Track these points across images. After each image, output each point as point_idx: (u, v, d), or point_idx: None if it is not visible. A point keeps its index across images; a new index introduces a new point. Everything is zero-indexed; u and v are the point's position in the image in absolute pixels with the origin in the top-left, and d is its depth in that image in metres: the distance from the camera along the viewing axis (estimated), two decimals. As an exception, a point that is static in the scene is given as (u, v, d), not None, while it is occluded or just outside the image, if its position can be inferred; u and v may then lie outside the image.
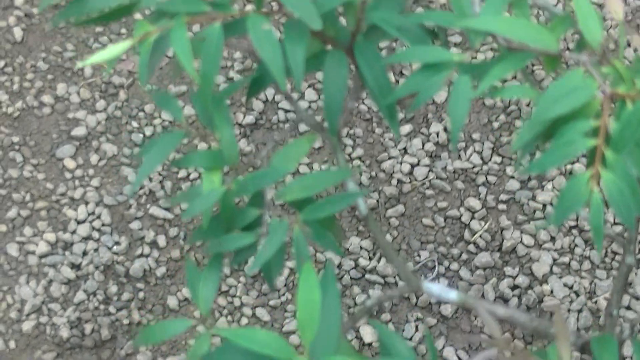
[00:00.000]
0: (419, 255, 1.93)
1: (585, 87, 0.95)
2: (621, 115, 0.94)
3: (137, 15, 1.90)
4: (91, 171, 2.02)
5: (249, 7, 1.11)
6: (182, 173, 2.01)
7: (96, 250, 1.94)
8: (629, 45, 1.96)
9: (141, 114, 2.06)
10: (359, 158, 2.01)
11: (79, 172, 2.01)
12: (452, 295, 1.08)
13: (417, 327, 1.86)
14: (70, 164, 2.02)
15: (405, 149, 2.02)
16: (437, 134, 2.02)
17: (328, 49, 1.06)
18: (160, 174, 2.00)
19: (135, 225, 1.96)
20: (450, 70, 0.98)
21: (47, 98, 2.07)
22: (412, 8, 1.08)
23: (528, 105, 2.03)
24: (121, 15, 1.07)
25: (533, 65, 2.05)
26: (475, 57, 1.93)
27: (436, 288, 1.09)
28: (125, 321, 1.87)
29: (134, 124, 2.05)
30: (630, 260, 1.18)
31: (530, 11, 1.02)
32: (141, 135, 2.04)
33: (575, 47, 1.01)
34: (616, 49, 0.99)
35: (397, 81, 2.05)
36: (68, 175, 2.01)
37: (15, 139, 2.03)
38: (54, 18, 1.09)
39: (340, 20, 1.06)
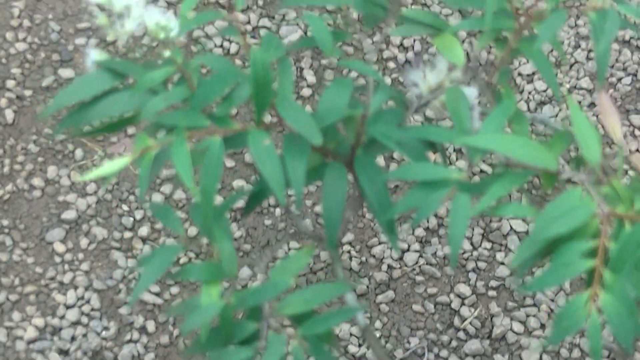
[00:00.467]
0: (408, 342, 1.93)
1: (584, 207, 0.96)
2: (620, 236, 0.95)
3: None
4: (81, 255, 2.01)
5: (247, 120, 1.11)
6: (172, 257, 2.00)
7: (85, 335, 1.92)
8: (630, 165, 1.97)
9: (132, 197, 2.05)
10: (349, 243, 2.01)
11: (68, 256, 2.00)
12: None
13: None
14: (60, 247, 2.01)
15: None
16: (427, 220, 2.02)
17: (327, 161, 1.07)
18: (150, 258, 1.99)
19: (124, 310, 1.95)
20: (449, 188, 0.98)
21: (37, 181, 2.06)
22: (411, 117, 1.09)
23: (518, 191, 2.04)
24: (123, 127, 1.08)
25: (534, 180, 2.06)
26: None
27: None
28: (114, 409, 1.85)
29: (125, 207, 2.04)
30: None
31: (530, 126, 1.02)
32: (132, 219, 2.03)
33: (574, 164, 1.02)
34: (615, 167, 1.00)
35: (388, 165, 2.06)
36: (57, 259, 2.00)
37: (5, 222, 2.02)
38: (55, 127, 1.09)
39: (339, 131, 1.07)
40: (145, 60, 1.13)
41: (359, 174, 1.05)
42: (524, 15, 1.01)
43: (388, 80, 2.11)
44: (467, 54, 1.09)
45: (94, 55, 1.10)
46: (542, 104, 2.11)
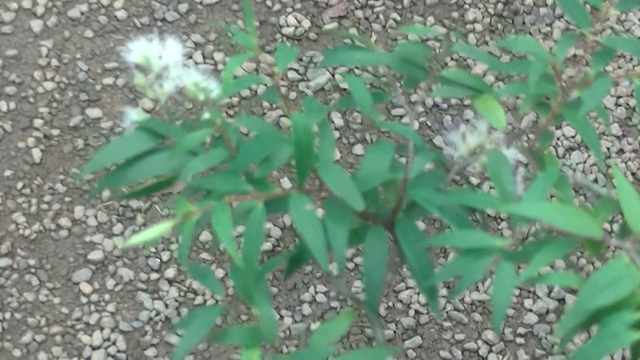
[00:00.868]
0: (436, 388, 1.91)
1: (630, 277, 0.94)
2: (667, 308, 0.93)
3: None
4: (107, 296, 2.00)
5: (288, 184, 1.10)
6: (198, 299, 1.99)
7: (111, 377, 1.91)
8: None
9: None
10: (363, 278, 1.99)
11: (94, 297, 2.00)
12: None
13: None
14: (86, 288, 2.00)
15: (409, 269, 2.00)
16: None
17: (368, 224, 1.06)
18: (176, 300, 1.99)
19: (150, 352, 1.94)
20: (493, 257, 0.97)
21: (64, 221, 2.06)
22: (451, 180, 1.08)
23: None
24: (162, 189, 1.07)
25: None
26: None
27: None
28: None
29: (151, 248, 2.03)
30: None
31: (572, 191, 1.01)
32: (158, 260, 2.02)
33: (619, 232, 1.00)
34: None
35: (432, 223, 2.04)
36: (84, 299, 1.99)
37: (32, 262, 2.02)
38: (93, 190, 1.08)
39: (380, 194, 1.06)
40: (184, 120, 1.12)
41: (400, 238, 1.04)
42: (567, 80, 1.00)
43: (416, 124, 2.10)
44: (508, 109, 1.08)
45: (133, 115, 1.10)
46: (570, 149, 2.10)
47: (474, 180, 1.94)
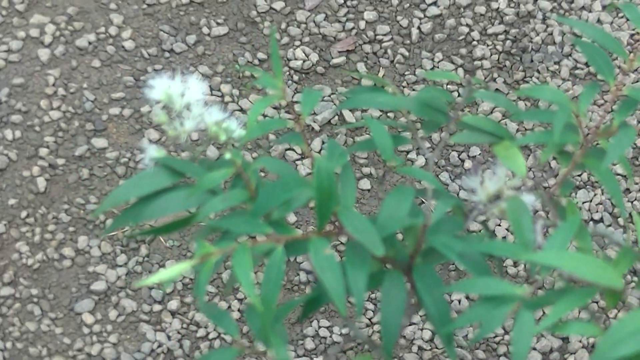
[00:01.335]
0: None
1: (651, 328, 0.94)
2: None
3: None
4: (109, 327, 1.99)
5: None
6: (200, 332, 1.98)
7: (112, 409, 1.90)
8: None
9: (162, 270, 2.04)
10: (379, 322, 1.98)
11: (97, 328, 1.99)
12: None
13: None
14: (88, 318, 1.99)
15: (426, 315, 2.00)
16: (459, 301, 2.01)
17: (385, 268, 1.06)
18: (179, 332, 1.98)
19: (152, 384, 1.93)
20: (513, 305, 0.97)
21: (67, 251, 2.05)
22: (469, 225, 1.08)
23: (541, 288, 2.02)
24: (180, 228, 1.07)
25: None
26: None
27: None
28: None
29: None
30: None
31: (592, 242, 1.01)
32: (161, 291, 2.02)
33: (638, 284, 1.00)
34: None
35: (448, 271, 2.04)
36: (86, 330, 1.99)
37: (34, 292, 2.01)
38: (107, 227, 1.08)
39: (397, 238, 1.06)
40: (202, 159, 1.12)
41: (417, 283, 1.04)
42: (591, 130, 1.00)
43: (422, 160, 2.10)
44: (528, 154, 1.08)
45: (152, 152, 1.09)
46: (577, 188, 2.10)
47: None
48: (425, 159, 2.07)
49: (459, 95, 2.17)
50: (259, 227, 1.00)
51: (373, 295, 2.03)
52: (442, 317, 1.02)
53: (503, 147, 1.07)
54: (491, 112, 2.15)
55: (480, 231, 1.97)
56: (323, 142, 2.13)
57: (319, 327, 1.99)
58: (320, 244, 1.00)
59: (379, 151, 1.05)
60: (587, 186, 2.11)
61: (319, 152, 2.12)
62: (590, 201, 2.09)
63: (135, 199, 1.08)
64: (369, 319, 2.00)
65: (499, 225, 2.03)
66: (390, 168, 1.03)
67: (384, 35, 2.26)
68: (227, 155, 1.06)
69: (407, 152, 2.10)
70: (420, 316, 2.00)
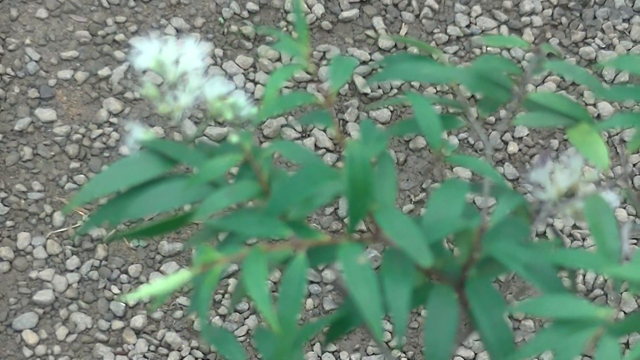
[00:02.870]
0: None
1: None
2: None
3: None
4: (57, 348, 2.01)
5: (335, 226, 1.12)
6: (173, 356, 2.01)
7: None
8: None
9: (124, 276, 2.06)
10: (400, 348, 2.01)
11: (41, 349, 2.01)
12: None
13: None
14: (30, 338, 2.02)
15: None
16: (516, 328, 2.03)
17: (431, 282, 1.08)
18: (145, 356, 2.00)
19: (111, 422, 1.96)
20: (594, 330, 0.99)
21: (4, 251, 2.07)
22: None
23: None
24: (174, 228, 1.08)
25: None
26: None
27: None
28: None
29: (115, 289, 2.05)
30: None
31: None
32: (123, 304, 2.04)
33: None
34: None
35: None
36: (27, 352, 2.01)
37: (-38, 303, 2.03)
38: (82, 226, 1.10)
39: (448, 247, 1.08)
40: (200, 143, 1.14)
41: (471, 301, 1.06)
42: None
43: (455, 140, 2.13)
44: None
45: (138, 133, 1.11)
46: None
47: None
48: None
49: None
50: (275, 229, 1.02)
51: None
52: (503, 344, 1.04)
53: (580, 132, 1.08)
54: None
55: (544, 237, 2.00)
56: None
57: (323, 352, 2.02)
58: (352, 250, 1.01)
59: (424, 136, 1.07)
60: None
61: (324, 130, 2.14)
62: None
63: (116, 193, 1.10)
64: (387, 342, 2.03)
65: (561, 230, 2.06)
66: (436, 157, 1.05)
67: (408, -18, 2.29)
68: (234, 139, 1.07)
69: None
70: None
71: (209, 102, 1.09)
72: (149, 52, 1.10)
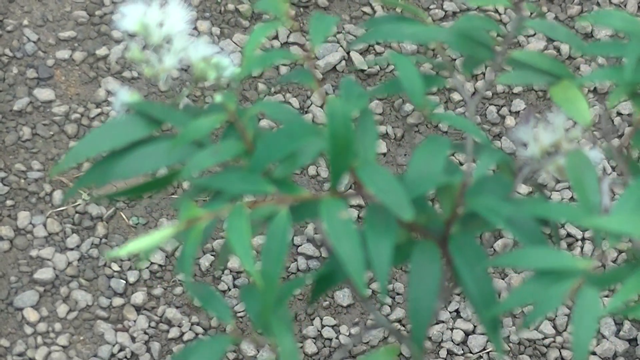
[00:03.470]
0: None
1: None
2: None
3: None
4: (58, 326, 2.02)
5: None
6: (173, 332, 2.02)
7: None
8: None
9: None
10: (399, 321, 2.02)
11: (42, 327, 2.02)
12: None
13: None
14: (31, 315, 2.03)
15: (457, 311, 2.03)
16: (499, 294, 2.04)
17: (415, 239, 1.09)
18: (145, 332, 2.01)
19: (112, 398, 1.97)
20: (574, 281, 1.01)
21: (4, 230, 2.08)
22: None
23: (615, 261, 2.06)
24: (160, 187, 1.10)
25: None
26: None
27: None
28: None
29: (115, 267, 2.06)
30: None
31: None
32: (123, 281, 2.05)
33: None
34: None
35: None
36: (28, 329, 2.02)
37: (-37, 281, 2.04)
38: (70, 189, 1.11)
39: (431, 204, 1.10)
40: (186, 104, 1.15)
41: (454, 255, 1.07)
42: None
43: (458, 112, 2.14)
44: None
45: (124, 95, 1.12)
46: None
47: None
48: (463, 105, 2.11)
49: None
50: (258, 185, 1.04)
51: (390, 287, 2.06)
52: (485, 297, 1.05)
53: (562, 89, 1.10)
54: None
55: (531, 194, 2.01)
56: (327, 94, 2.16)
57: (322, 327, 2.03)
58: (334, 206, 1.03)
59: (407, 94, 1.08)
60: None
61: (321, 107, 2.15)
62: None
63: (102, 155, 1.11)
64: (386, 315, 2.04)
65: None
66: (413, 123, 1.06)
67: (404, -42, 2.30)
68: (218, 99, 1.09)
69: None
70: (450, 312, 2.04)
71: (193, 63, 1.11)
72: (134, 15, 1.11)
